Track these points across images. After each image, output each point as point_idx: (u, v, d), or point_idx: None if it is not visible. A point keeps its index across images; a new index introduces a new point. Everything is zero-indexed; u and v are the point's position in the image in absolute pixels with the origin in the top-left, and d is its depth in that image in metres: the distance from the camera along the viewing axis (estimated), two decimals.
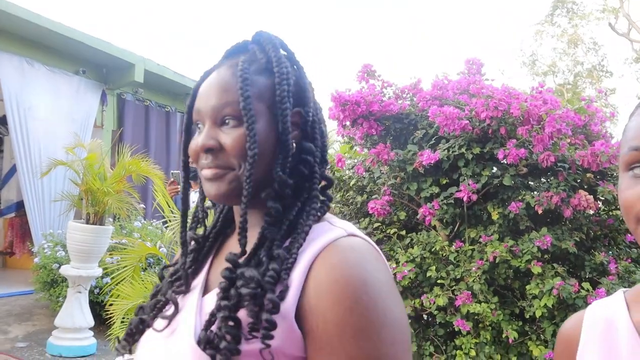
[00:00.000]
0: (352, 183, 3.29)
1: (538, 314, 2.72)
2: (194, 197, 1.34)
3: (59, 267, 5.09)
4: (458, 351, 2.91)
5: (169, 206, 3.76)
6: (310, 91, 0.93)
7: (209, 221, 1.01)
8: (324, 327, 0.73)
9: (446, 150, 2.97)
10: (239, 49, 0.94)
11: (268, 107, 0.86)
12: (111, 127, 8.24)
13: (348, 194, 3.42)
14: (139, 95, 8.53)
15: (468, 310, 2.81)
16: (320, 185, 0.92)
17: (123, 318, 3.43)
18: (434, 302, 2.84)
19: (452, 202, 2.97)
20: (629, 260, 2.95)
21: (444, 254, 2.97)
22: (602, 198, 2.95)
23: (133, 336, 0.93)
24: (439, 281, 2.91)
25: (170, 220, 3.78)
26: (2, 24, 6.32)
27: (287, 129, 0.85)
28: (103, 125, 8.18)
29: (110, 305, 3.68)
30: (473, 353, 2.86)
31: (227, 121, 0.85)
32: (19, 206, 8.08)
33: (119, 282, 3.79)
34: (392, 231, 3.15)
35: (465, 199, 2.83)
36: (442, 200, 2.96)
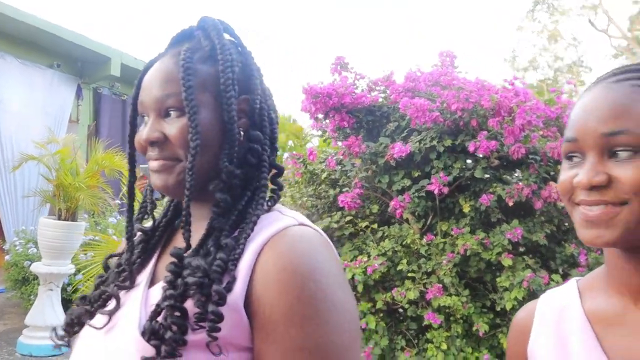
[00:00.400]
0: (324, 176, 3.25)
1: (509, 306, 2.71)
2: None
3: (30, 265, 5.00)
4: (429, 345, 2.89)
5: (140, 201, 3.69)
6: (258, 77, 0.90)
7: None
8: (271, 314, 0.72)
9: (418, 143, 2.94)
10: (184, 36, 0.91)
11: (213, 96, 0.84)
12: (87, 122, 8.12)
13: (320, 188, 3.38)
14: (116, 89, 8.42)
15: (439, 304, 2.79)
16: (271, 174, 0.91)
17: None
18: (405, 296, 2.82)
19: (424, 195, 2.95)
20: (599, 252, 2.95)
21: (415, 248, 2.95)
22: None
23: (73, 327, 0.90)
24: (410, 274, 2.89)
25: None
26: None
27: (233, 117, 0.83)
28: (79, 120, 8.06)
29: None
30: (444, 346, 2.85)
31: (170, 112, 0.83)
32: None
33: (89, 279, 3.72)
34: (364, 224, 3.12)
35: (436, 191, 2.81)
36: (413, 193, 2.94)
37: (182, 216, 0.81)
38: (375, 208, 3.21)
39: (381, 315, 3.08)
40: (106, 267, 0.98)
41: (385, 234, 3.07)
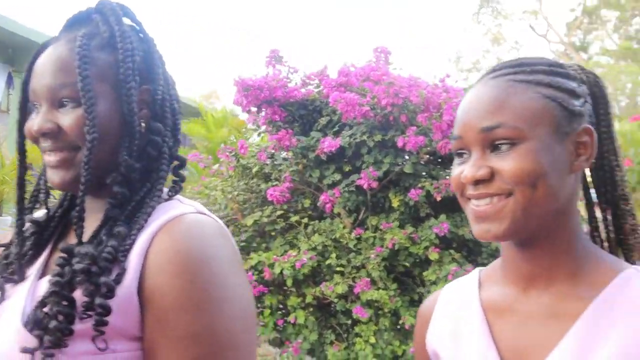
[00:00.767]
0: (255, 170, 3.21)
1: None
2: None
3: None
4: (358, 339, 2.91)
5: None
6: (160, 66, 0.87)
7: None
8: (162, 300, 0.70)
9: (348, 138, 2.95)
10: (80, 19, 0.86)
11: (112, 86, 0.80)
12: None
13: (253, 181, 3.34)
14: None
15: (367, 298, 2.81)
16: (173, 165, 0.88)
17: None
18: (333, 290, 2.81)
19: (354, 189, 2.95)
20: None
21: (345, 242, 2.95)
22: None
23: None
24: (338, 269, 2.89)
25: None
26: None
27: (133, 109, 0.80)
28: (9, 110, 7.71)
29: None
30: (373, 340, 2.87)
31: (65, 103, 0.79)
32: None
33: None
34: (295, 219, 3.10)
35: (365, 186, 2.82)
36: (343, 188, 2.94)
37: (75, 212, 0.78)
38: (307, 202, 3.19)
39: (311, 309, 3.07)
40: None
41: (316, 229, 3.06)
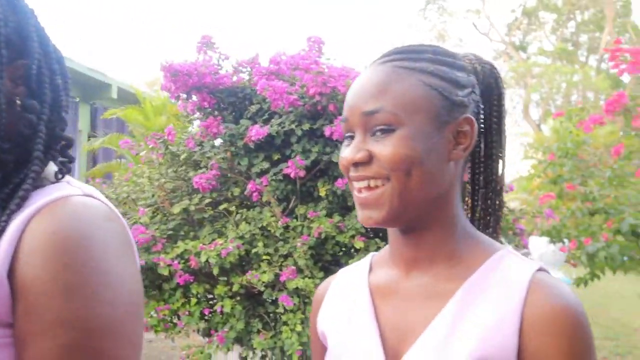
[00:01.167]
0: (182, 157, 3.16)
1: None
2: None
3: None
4: (285, 327, 2.92)
5: None
6: (37, 39, 0.81)
7: None
8: (33, 284, 0.66)
9: (277, 126, 2.94)
10: None
11: None
12: None
13: (181, 169, 3.29)
14: None
15: (293, 286, 2.82)
16: (61, 145, 0.84)
17: None
18: (259, 279, 2.81)
19: (282, 178, 2.95)
20: None
21: (272, 231, 2.95)
22: None
23: None
24: (265, 257, 2.89)
25: None
26: None
27: None
28: None
29: None
30: (299, 328, 2.88)
31: None
32: None
33: None
34: (223, 207, 3.07)
35: (293, 175, 2.82)
36: (271, 177, 2.93)
37: None
38: (237, 191, 3.17)
39: (239, 298, 3.06)
40: None
41: (244, 217, 3.05)
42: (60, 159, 0.85)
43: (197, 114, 3.38)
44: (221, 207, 3.09)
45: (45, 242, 0.68)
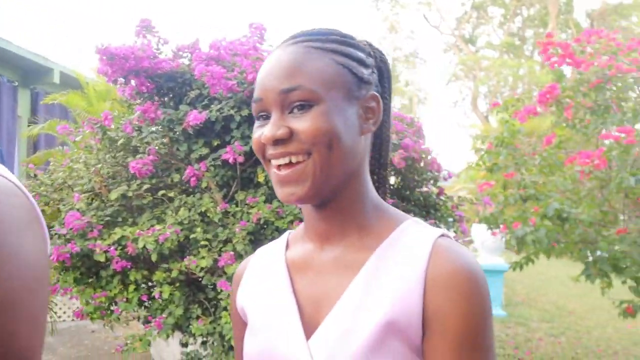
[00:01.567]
0: (120, 142, 3.11)
1: None
2: None
3: None
4: (224, 312, 2.93)
5: None
6: None
7: None
8: None
9: (217, 112, 2.93)
10: None
11: None
12: None
13: (120, 154, 3.23)
14: None
15: (232, 271, 2.83)
16: None
17: None
18: (197, 264, 2.81)
19: (222, 164, 2.95)
20: None
21: (211, 216, 2.95)
22: None
23: None
24: (203, 243, 2.89)
25: None
26: None
27: None
28: None
29: None
30: None
31: None
32: None
33: None
34: (162, 193, 3.05)
35: (231, 160, 2.82)
36: (210, 162, 2.93)
37: None
38: (177, 177, 3.15)
39: (178, 285, 3.05)
40: None
41: (183, 203, 3.03)
42: None
43: (139, 100, 3.33)
44: (160, 193, 3.07)
45: None
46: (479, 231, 7.17)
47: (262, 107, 0.83)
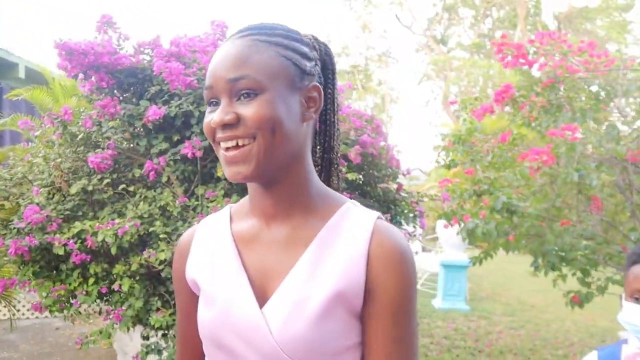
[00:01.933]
0: (80, 137, 3.13)
1: None
2: None
3: None
4: None
5: None
6: None
7: None
8: None
9: (176, 108, 2.98)
10: None
11: None
12: None
13: (80, 149, 3.25)
14: None
15: None
16: None
17: None
18: (156, 257, 2.85)
19: (180, 159, 3.00)
20: None
21: (170, 210, 3.00)
22: None
23: None
24: (163, 236, 2.93)
25: None
26: None
27: None
28: None
29: None
30: None
31: None
32: None
33: None
34: (122, 187, 3.08)
35: (190, 155, 2.88)
36: (170, 157, 2.97)
37: None
38: (138, 172, 3.18)
39: (138, 278, 3.09)
40: None
41: (143, 197, 3.07)
42: None
43: (100, 95, 3.34)
44: (120, 188, 3.10)
45: None
46: (444, 228, 7.32)
47: (212, 94, 0.89)
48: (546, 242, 3.22)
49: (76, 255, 2.87)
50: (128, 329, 3.10)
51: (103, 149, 3.20)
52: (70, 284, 3.03)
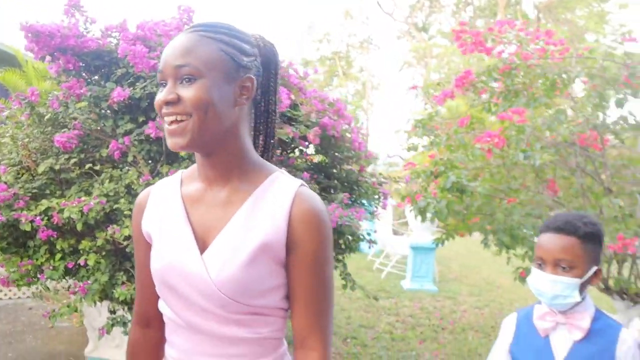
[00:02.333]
0: (47, 118, 3.22)
1: None
2: None
3: None
4: None
5: None
6: None
7: None
8: None
9: (141, 89, 3.08)
10: None
11: None
12: None
13: (48, 129, 3.34)
14: None
15: None
16: None
17: None
18: (120, 232, 2.97)
19: (145, 138, 3.11)
20: None
21: (135, 188, 3.11)
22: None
23: None
24: (127, 212, 3.05)
25: None
26: None
27: None
28: None
29: None
30: None
31: None
32: None
33: None
34: (89, 166, 3.18)
35: (153, 135, 2.99)
36: (134, 137, 3.08)
37: None
38: (105, 152, 3.28)
39: (104, 253, 3.20)
40: None
41: (109, 176, 3.18)
42: None
43: (68, 77, 3.43)
44: (87, 167, 3.20)
45: None
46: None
47: (162, 77, 1.10)
48: (496, 220, 3.40)
49: (43, 232, 2.98)
50: (95, 302, 3.22)
51: (70, 129, 3.29)
52: (37, 260, 3.13)
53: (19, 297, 6.11)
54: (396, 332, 5.44)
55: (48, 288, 3.39)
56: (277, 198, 1.12)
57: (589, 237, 1.65)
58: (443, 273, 8.96)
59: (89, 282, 3.08)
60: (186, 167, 3.18)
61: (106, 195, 3.09)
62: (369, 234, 4.07)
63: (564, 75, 4.18)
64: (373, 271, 8.73)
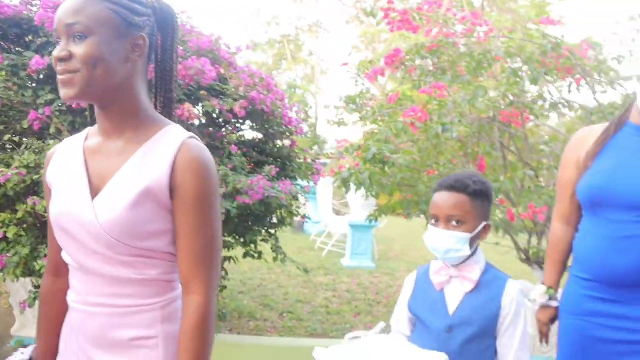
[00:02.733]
0: None
1: None
2: None
3: None
4: None
5: None
6: None
7: None
8: None
9: None
10: None
11: None
12: None
13: None
14: None
15: None
16: None
17: None
18: (40, 204, 2.93)
19: (67, 109, 3.07)
20: (230, 167, 3.46)
21: None
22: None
23: None
24: None
25: None
26: None
27: None
28: None
29: None
30: None
31: None
32: None
33: None
34: (7, 138, 3.12)
35: (74, 106, 2.95)
36: (55, 108, 3.04)
37: None
38: (25, 124, 3.21)
39: (26, 226, 3.15)
40: None
41: (29, 147, 3.12)
42: None
43: None
44: (6, 138, 3.13)
45: None
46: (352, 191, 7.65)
47: (57, 35, 1.17)
48: (418, 192, 3.54)
49: None
50: (17, 277, 3.17)
51: None
52: None
53: None
54: (332, 307, 5.57)
55: None
56: (165, 147, 1.20)
57: (479, 194, 1.77)
58: (384, 252, 9.18)
59: (9, 255, 3.03)
60: None
61: (26, 167, 3.04)
62: (299, 209, 4.15)
63: (488, 55, 4.36)
64: (315, 250, 8.86)
